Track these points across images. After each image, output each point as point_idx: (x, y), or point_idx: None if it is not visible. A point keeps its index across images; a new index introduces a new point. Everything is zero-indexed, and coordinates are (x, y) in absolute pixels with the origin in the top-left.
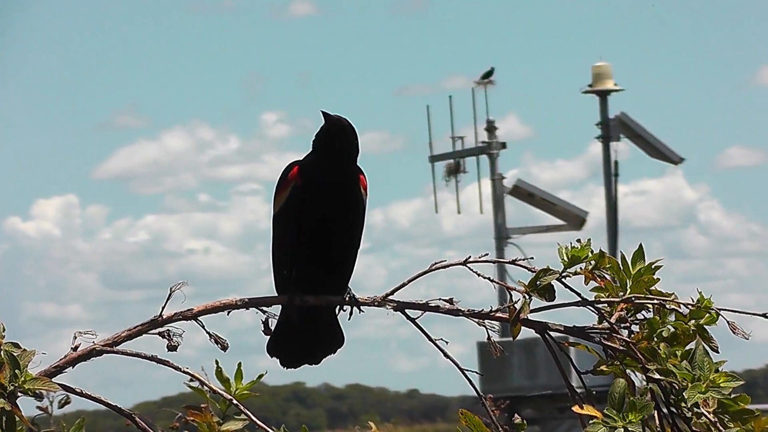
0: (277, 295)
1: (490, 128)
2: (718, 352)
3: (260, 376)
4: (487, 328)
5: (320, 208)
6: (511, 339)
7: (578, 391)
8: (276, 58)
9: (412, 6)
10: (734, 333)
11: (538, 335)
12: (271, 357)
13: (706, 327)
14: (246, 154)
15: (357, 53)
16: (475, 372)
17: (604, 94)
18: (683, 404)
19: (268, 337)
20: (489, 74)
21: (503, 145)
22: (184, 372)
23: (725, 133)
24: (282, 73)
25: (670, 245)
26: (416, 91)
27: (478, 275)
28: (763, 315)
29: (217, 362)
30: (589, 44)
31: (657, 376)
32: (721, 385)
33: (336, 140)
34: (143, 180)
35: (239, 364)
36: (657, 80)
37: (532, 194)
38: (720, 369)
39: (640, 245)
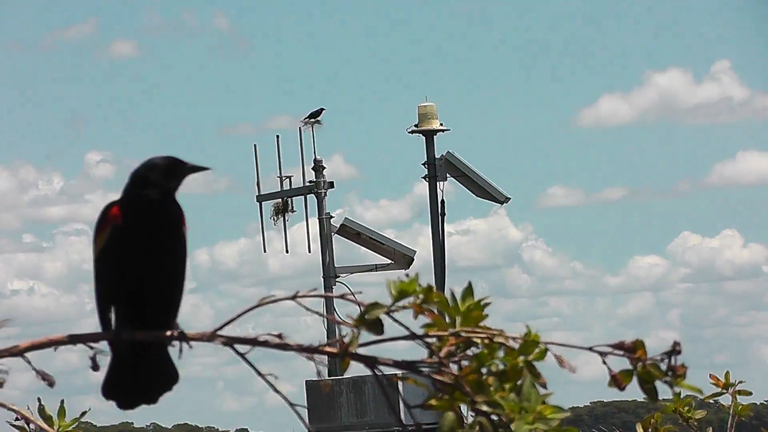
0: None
1: (318, 168)
2: (545, 388)
3: (83, 413)
4: (316, 363)
5: (142, 246)
6: (338, 378)
7: (408, 426)
8: (99, 98)
9: (235, 47)
10: (561, 366)
11: (366, 372)
12: (107, 400)
13: (534, 363)
14: (69, 194)
15: (180, 93)
16: (304, 407)
17: (430, 134)
18: None
19: (103, 381)
20: (316, 114)
21: (331, 185)
22: (9, 409)
23: (547, 173)
24: (105, 112)
25: (495, 284)
26: (241, 130)
27: (308, 309)
28: (589, 348)
29: (39, 400)
30: (415, 85)
31: (485, 408)
32: (549, 416)
33: (149, 177)
34: None
35: (62, 402)
36: (482, 120)
37: (360, 233)
38: (546, 401)
39: (469, 282)
